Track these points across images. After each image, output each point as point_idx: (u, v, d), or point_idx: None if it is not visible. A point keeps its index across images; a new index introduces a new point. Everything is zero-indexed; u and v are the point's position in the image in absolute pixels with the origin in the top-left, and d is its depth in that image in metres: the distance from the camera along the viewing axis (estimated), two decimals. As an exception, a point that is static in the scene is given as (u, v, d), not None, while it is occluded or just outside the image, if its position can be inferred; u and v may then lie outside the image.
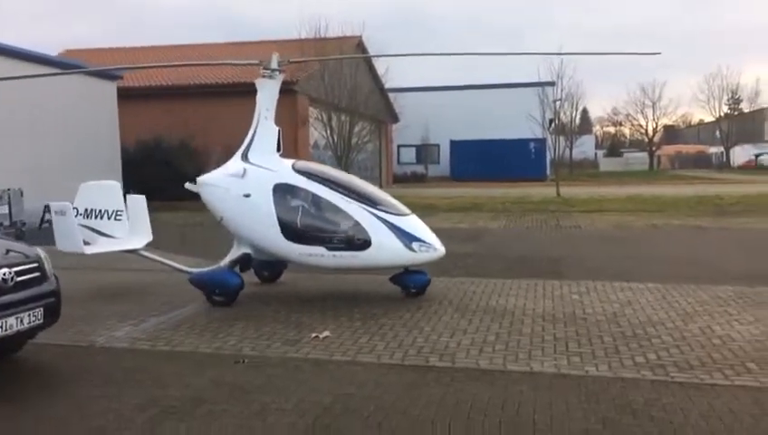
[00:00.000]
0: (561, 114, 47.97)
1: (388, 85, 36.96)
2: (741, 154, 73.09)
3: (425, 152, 48.68)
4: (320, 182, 8.22)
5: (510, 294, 8.46)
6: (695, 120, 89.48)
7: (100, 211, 8.55)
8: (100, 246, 8.51)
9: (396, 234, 7.88)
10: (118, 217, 8.57)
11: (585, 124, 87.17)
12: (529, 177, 41.06)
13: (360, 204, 8.00)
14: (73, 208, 8.29)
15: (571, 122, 59.20)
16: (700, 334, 6.45)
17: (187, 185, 8.78)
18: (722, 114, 74.45)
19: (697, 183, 37.57)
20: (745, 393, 4.93)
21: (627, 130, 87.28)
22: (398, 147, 48.13)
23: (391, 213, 8.07)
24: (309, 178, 8.26)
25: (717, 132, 75.51)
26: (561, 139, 44.67)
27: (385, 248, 7.86)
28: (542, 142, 43.38)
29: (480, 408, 4.68)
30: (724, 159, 72.52)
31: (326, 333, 6.60)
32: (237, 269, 8.45)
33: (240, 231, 8.35)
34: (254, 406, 4.77)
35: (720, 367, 5.49)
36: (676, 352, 5.89)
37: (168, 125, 25.82)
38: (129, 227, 8.66)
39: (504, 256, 12.04)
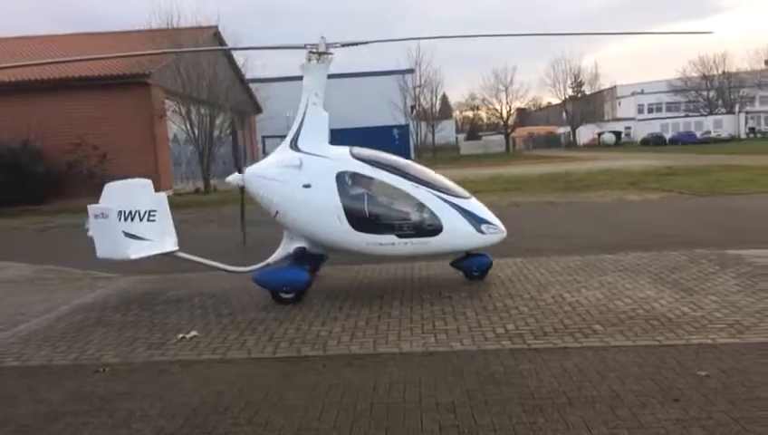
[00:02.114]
0: (422, 100, 49.40)
1: (248, 76, 36.23)
2: (585, 133, 79.00)
3: (290, 143, 48.27)
4: (383, 168, 7.84)
5: (379, 279, 8.63)
6: (544, 102, 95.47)
7: (131, 212, 7.75)
8: (139, 251, 7.75)
9: (465, 217, 7.72)
10: (151, 218, 7.86)
11: (445, 109, 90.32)
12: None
13: (426, 189, 7.74)
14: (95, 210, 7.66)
15: (432, 108, 61.13)
16: (553, 303, 6.94)
17: (230, 178, 8.21)
18: (567, 97, 79.94)
19: (549, 162, 40.15)
20: (593, 353, 5.37)
21: (484, 114, 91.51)
22: (263, 138, 47.34)
23: (456, 196, 7.87)
24: (371, 164, 7.87)
25: (564, 114, 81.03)
26: (423, 124, 46.00)
27: (457, 233, 7.67)
28: (406, 128, 44.41)
29: (352, 391, 4.76)
30: (572, 139, 78.02)
31: (193, 333, 6.41)
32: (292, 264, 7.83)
33: (298, 224, 7.80)
34: (118, 415, 4.55)
35: (571, 331, 5.93)
36: (533, 321, 6.30)
37: (8, 126, 23.83)
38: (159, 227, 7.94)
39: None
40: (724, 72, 78.89)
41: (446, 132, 76.55)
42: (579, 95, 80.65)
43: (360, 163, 7.82)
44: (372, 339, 6.03)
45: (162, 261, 8.32)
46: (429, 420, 4.22)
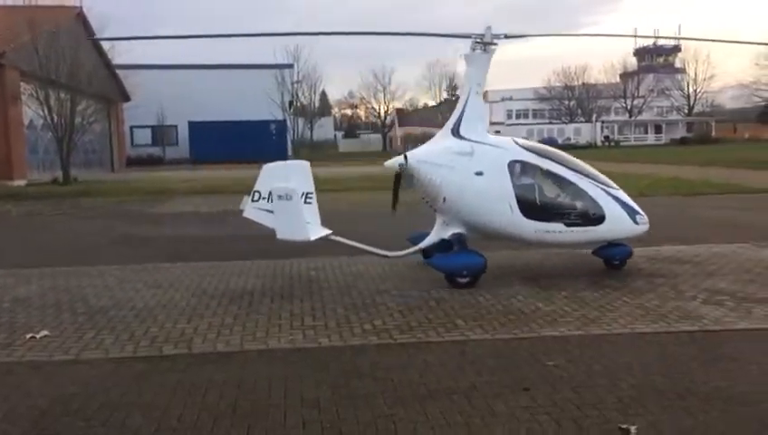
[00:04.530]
0: (301, 96, 49.11)
1: (116, 62, 34.32)
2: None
3: (161, 134, 46.24)
4: (548, 158, 8.03)
5: (250, 275, 8.52)
6: (421, 103, 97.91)
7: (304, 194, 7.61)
8: (313, 233, 7.59)
9: (623, 207, 7.96)
10: (308, 200, 7.64)
11: (325, 106, 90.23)
12: (271, 157, 41.15)
13: (589, 179, 7.97)
14: (256, 192, 7.56)
15: (311, 104, 60.95)
16: (419, 298, 7.16)
17: (390, 162, 8.09)
18: (442, 99, 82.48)
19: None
20: (454, 346, 5.61)
21: (362, 113, 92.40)
22: (132, 128, 45.12)
23: (611, 187, 8.09)
24: (538, 154, 8.06)
25: (440, 116, 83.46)
26: (301, 120, 45.69)
27: (617, 222, 7.88)
28: (283, 124, 43.93)
29: (216, 389, 4.67)
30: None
31: (44, 333, 6.00)
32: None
33: (467, 211, 7.80)
34: (-47, 423, 4.18)
35: (435, 326, 6.16)
36: (399, 317, 6.47)
37: None
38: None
39: (243, 238, 11.99)
40: (583, 84, 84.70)
41: (324, 129, 76.58)
42: (454, 98, 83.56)
43: (528, 153, 8.02)
44: (240, 336, 5.94)
45: None
46: (293, 416, 4.23)
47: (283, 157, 41.80)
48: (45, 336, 5.93)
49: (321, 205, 7.94)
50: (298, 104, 40.86)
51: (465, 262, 7.70)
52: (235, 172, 31.57)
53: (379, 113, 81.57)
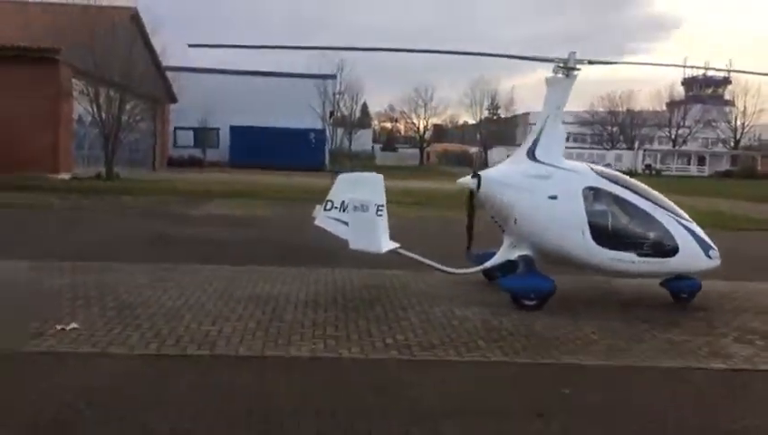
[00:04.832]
0: (342, 107, 49.52)
1: (166, 63, 35.12)
2: (497, 155, 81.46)
3: (203, 136, 47.05)
4: (624, 186, 8.07)
5: (277, 281, 8.59)
6: (461, 121, 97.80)
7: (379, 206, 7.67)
8: (386, 245, 7.75)
9: (696, 241, 7.86)
10: (379, 213, 7.65)
11: (364, 118, 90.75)
12: (308, 166, 41.79)
13: (664, 210, 7.92)
14: (329, 201, 7.73)
15: (351, 115, 61.41)
16: (442, 316, 7.15)
17: (463, 180, 8.26)
18: (482, 118, 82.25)
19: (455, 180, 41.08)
20: (474, 367, 5.60)
21: (402, 127, 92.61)
22: (175, 129, 46.00)
23: (686, 219, 8.02)
24: (613, 181, 8.08)
25: (478, 135, 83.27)
26: (341, 131, 46.05)
27: (690, 255, 7.78)
28: (322, 133, 44.32)
29: (234, 393, 4.74)
30: (483, 159, 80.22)
31: (73, 325, 6.16)
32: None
33: (538, 233, 7.79)
34: (-19, 406, 4.32)
35: (456, 345, 6.14)
36: (421, 333, 6.47)
37: None
38: None
39: (278, 244, 12.14)
40: (628, 110, 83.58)
41: (363, 140, 76.99)
42: (494, 117, 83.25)
43: (604, 180, 8.01)
44: (262, 342, 6.01)
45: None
46: (308, 425, 4.26)
47: (322, 166, 42.28)
48: (74, 329, 6.08)
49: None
50: (338, 114, 41.20)
51: (534, 285, 7.69)
52: (271, 178, 31.95)
53: (418, 128, 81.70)
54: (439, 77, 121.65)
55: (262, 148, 43.71)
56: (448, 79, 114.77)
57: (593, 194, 7.91)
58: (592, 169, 8.30)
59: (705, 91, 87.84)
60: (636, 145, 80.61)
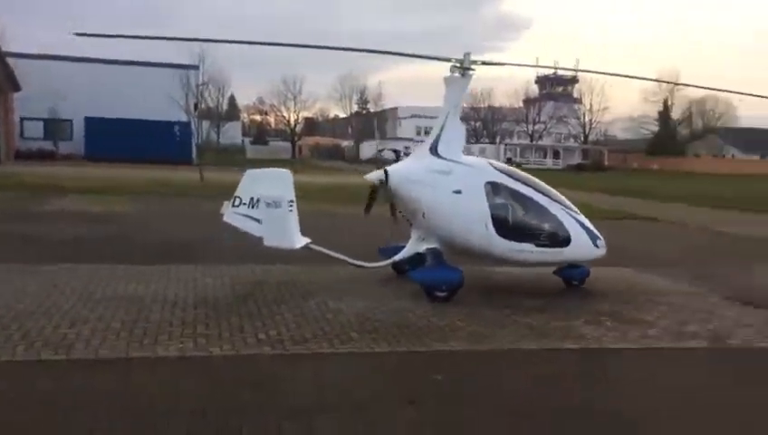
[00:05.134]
0: (208, 99, 47.95)
1: (6, 48, 32.26)
2: (368, 148, 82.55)
3: (54, 127, 43.69)
4: (520, 181, 8.45)
5: (142, 280, 8.19)
6: (331, 114, 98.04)
7: (291, 202, 7.71)
8: (300, 241, 7.77)
9: (585, 231, 8.37)
10: (290, 208, 7.68)
11: (232, 110, 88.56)
12: (174, 160, 40.07)
13: (556, 203, 8.40)
14: (237, 197, 7.63)
15: (218, 107, 59.67)
16: (316, 310, 7.16)
17: (371, 175, 8.27)
18: (352, 112, 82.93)
19: (334, 173, 41.26)
20: (347, 359, 5.65)
21: (272, 120, 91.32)
22: (22, 119, 42.45)
23: (575, 211, 8.49)
24: (511, 177, 8.46)
25: (349, 128, 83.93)
26: (207, 123, 44.55)
27: (581, 245, 8.29)
28: (188, 126, 42.57)
29: (95, 398, 4.48)
30: (355, 152, 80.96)
31: None
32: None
33: (445, 227, 8.05)
34: None
35: (329, 338, 6.17)
36: (294, 327, 6.44)
37: None
38: None
39: (140, 241, 11.57)
40: (489, 106, 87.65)
41: (231, 133, 75.12)
42: (364, 111, 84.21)
43: (502, 175, 8.40)
44: (126, 342, 5.72)
45: None
46: (178, 426, 4.12)
47: (188, 160, 40.69)
48: None
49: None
50: (204, 107, 39.79)
51: (444, 276, 7.91)
52: (133, 172, 30.36)
53: (288, 121, 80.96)
54: (308, 70, 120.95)
55: (121, 141, 41.32)
56: (317, 72, 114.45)
57: (494, 188, 8.28)
58: (491, 164, 8.73)
59: (557, 89, 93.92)
60: (497, 139, 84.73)
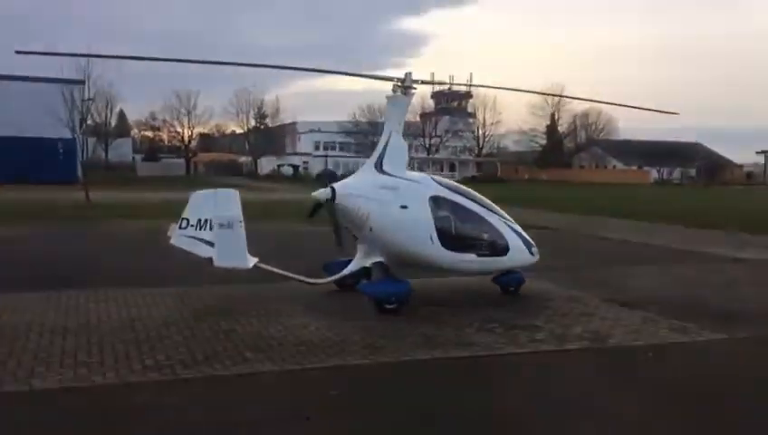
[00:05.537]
0: (95, 115, 45.81)
1: None
2: (267, 164, 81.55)
3: None
4: (461, 194, 8.80)
5: (17, 310, 7.66)
6: (228, 130, 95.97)
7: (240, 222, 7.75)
8: (251, 260, 7.91)
9: (521, 240, 8.82)
10: (241, 229, 7.73)
11: (123, 126, 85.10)
12: (57, 180, 37.81)
13: (494, 214, 8.81)
14: (184, 219, 7.67)
15: (106, 123, 57.13)
16: (208, 330, 6.96)
17: (317, 193, 8.32)
18: (250, 127, 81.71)
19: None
20: (241, 380, 5.52)
21: (165, 136, 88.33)
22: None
23: (511, 221, 8.93)
24: (453, 190, 8.79)
25: (246, 144, 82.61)
26: (94, 140, 42.47)
27: (518, 253, 8.74)
28: (73, 143, 40.41)
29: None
30: (254, 168, 79.78)
31: None
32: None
33: (392, 241, 8.22)
34: None
35: (221, 359, 6.01)
36: (185, 350, 6.22)
37: None
38: None
39: (17, 268, 10.82)
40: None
41: (121, 151, 72.00)
42: (261, 126, 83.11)
43: (445, 189, 8.71)
44: (-3, 377, 5.32)
45: None
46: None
47: (73, 179, 38.53)
48: None
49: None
50: (91, 123, 37.88)
51: (393, 289, 8.12)
52: (10, 194, 28.44)
53: (182, 137, 78.62)
54: (202, 85, 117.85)
55: (-1, 160, 38.65)
56: (212, 87, 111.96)
57: (437, 202, 8.57)
58: (434, 178, 9.06)
59: (452, 103, 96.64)
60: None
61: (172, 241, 7.76)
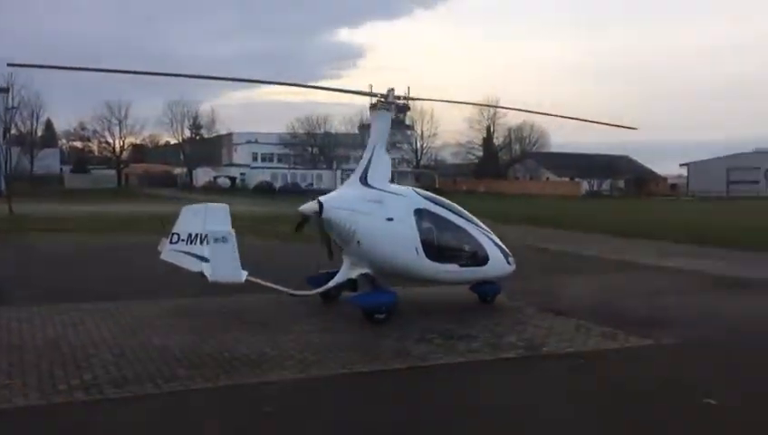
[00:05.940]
0: (20, 124, 44.00)
1: None
2: (202, 175, 79.97)
3: None
4: (443, 206, 9.06)
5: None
6: (162, 141, 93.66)
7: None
8: (244, 275, 7.85)
9: (500, 250, 9.12)
10: (234, 243, 7.75)
11: (50, 137, 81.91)
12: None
13: (473, 225, 9.07)
14: (174, 234, 7.62)
15: (32, 133, 54.83)
16: (138, 348, 6.73)
17: (304, 207, 8.49)
18: (184, 138, 79.99)
19: (165, 202, 39.36)
20: (173, 398, 5.36)
21: (95, 147, 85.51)
22: None
23: (489, 232, 9.21)
24: (434, 203, 9.01)
25: (181, 155, 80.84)
26: (18, 150, 40.71)
27: (497, 263, 9.02)
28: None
29: None
30: (188, 180, 78.10)
31: None
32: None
33: (380, 253, 8.39)
34: None
35: (153, 377, 5.82)
36: (114, 369, 6.00)
37: None
38: None
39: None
40: (326, 132, 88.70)
41: (48, 162, 68.99)
42: (196, 137, 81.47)
43: (427, 201, 8.95)
44: None
45: None
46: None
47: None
48: None
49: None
50: (14, 132, 36.31)
51: (383, 300, 8.29)
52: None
53: (113, 148, 76.26)
54: (134, 94, 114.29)
55: None
56: (144, 96, 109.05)
57: (421, 215, 8.80)
58: (417, 191, 9.30)
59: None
60: (334, 165, 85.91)
61: (162, 256, 7.69)
